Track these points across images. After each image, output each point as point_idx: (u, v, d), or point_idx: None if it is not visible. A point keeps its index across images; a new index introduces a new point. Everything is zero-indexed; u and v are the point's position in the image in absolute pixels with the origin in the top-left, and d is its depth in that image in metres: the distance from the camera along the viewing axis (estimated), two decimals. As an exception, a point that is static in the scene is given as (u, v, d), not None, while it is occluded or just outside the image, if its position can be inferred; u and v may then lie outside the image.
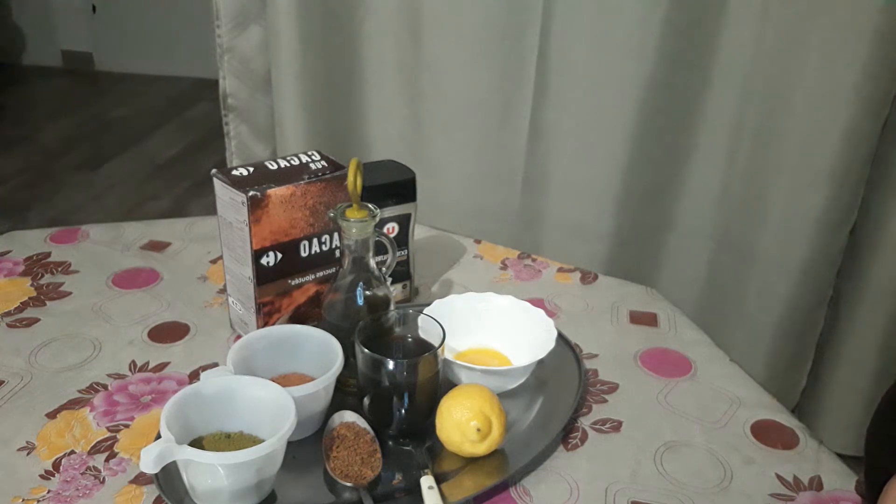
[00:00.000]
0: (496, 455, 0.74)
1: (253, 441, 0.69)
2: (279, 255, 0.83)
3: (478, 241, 1.15)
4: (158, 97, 3.88)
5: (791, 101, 1.36)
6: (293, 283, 0.86)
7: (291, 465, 0.70)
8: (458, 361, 0.78)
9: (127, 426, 0.78)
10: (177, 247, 1.10)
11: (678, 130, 1.47)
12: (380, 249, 0.81)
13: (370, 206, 0.77)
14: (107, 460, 0.73)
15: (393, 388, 0.73)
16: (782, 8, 1.31)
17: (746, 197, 1.46)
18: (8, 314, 0.94)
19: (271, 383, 0.71)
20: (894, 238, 1.42)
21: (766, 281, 1.50)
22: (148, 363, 0.87)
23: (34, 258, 1.07)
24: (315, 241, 0.85)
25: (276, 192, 0.81)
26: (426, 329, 0.77)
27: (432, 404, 0.74)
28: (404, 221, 0.96)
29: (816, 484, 0.73)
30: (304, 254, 0.85)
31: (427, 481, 0.68)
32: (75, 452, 0.74)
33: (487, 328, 0.86)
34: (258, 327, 0.85)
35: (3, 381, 0.83)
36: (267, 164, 0.86)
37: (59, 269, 1.04)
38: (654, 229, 1.57)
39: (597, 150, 1.49)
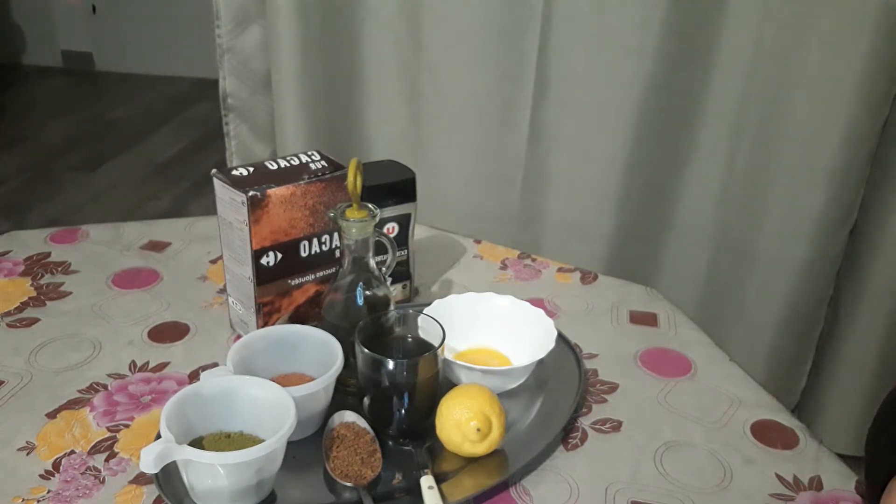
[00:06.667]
0: (496, 455, 0.74)
1: (253, 441, 0.69)
2: (279, 255, 0.83)
3: (478, 241, 1.15)
4: (158, 97, 3.88)
5: (791, 101, 1.36)
6: (293, 283, 0.86)
7: (291, 465, 0.70)
8: (458, 361, 0.78)
9: (127, 426, 0.78)
10: (177, 247, 1.10)
11: (678, 130, 1.47)
12: (380, 249, 0.81)
13: (370, 206, 0.77)
14: (107, 460, 0.73)
15: (393, 388, 0.73)
16: (782, 8, 1.31)
17: (746, 197, 1.46)
18: (8, 314, 0.94)
19: (271, 383, 0.71)
20: (894, 238, 1.42)
21: (766, 281, 1.50)
22: (148, 363, 0.87)
23: (34, 258, 1.07)
24: (315, 241, 0.85)
25: (276, 192, 0.81)
26: (426, 329, 0.77)
27: (432, 404, 0.74)
28: (404, 221, 0.96)
29: (816, 484, 0.74)
30: (304, 254, 0.85)
31: (427, 481, 0.68)
32: (75, 452, 0.74)
33: (487, 328, 0.86)
34: (258, 327, 0.85)
35: (3, 381, 0.83)
36: (267, 164, 0.86)
37: (59, 269, 1.04)
38: (654, 229, 1.57)
39: (597, 150, 1.49)
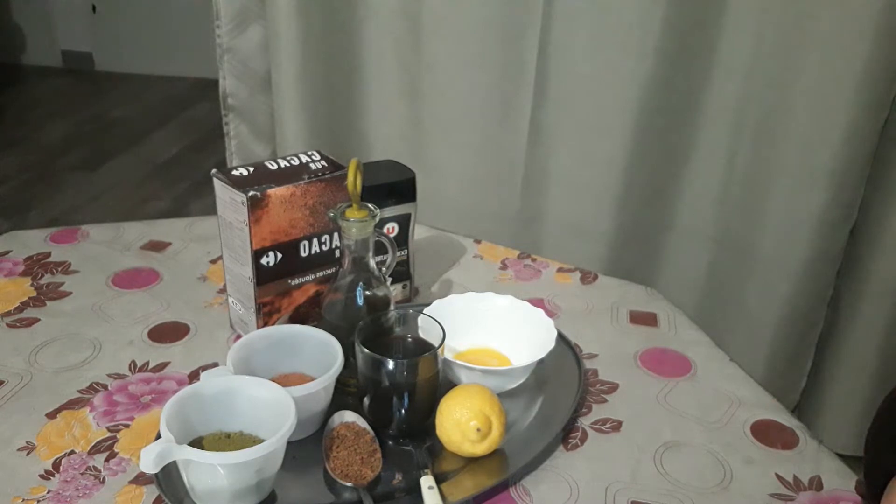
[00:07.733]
0: (496, 455, 0.74)
1: (253, 441, 0.69)
2: (279, 255, 0.83)
3: (478, 241, 1.15)
4: (158, 97, 3.88)
5: (791, 101, 1.36)
6: (293, 283, 0.86)
7: (291, 465, 0.70)
8: (458, 361, 0.78)
9: (127, 426, 0.78)
10: (177, 247, 1.10)
11: (678, 130, 1.47)
12: (380, 249, 0.81)
13: (370, 206, 0.77)
14: (107, 460, 0.73)
15: (393, 388, 0.73)
16: (782, 8, 1.31)
17: (746, 197, 1.46)
18: (8, 314, 0.94)
19: (271, 383, 0.71)
20: (894, 238, 1.42)
21: (766, 281, 1.50)
22: (148, 363, 0.87)
23: (34, 258, 1.07)
24: (315, 241, 0.85)
25: (276, 192, 0.81)
26: (426, 329, 0.77)
27: (432, 404, 0.74)
28: (404, 221, 0.96)
29: (816, 484, 0.73)
30: (304, 254, 0.85)
31: (427, 481, 0.68)
32: (75, 452, 0.74)
33: (487, 328, 0.86)
34: (258, 327, 0.85)
35: (3, 381, 0.83)
36: (267, 164, 0.86)
37: (59, 269, 1.04)
38: (654, 229, 1.57)
39: (597, 150, 1.49)
